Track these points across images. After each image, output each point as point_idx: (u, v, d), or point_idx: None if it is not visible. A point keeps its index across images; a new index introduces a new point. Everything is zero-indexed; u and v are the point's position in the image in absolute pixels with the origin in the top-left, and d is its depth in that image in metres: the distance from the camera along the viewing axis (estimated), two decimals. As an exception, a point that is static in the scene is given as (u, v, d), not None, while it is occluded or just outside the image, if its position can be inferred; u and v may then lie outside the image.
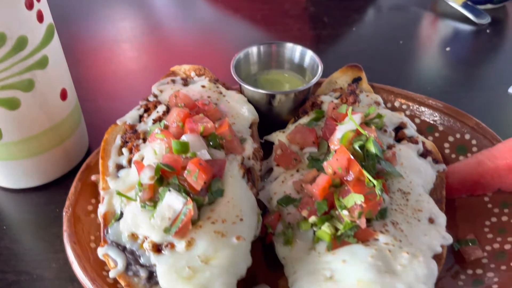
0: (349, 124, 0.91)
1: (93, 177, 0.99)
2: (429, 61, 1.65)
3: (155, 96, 1.08)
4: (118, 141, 0.98)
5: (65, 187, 1.07)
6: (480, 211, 0.98)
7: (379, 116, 0.97)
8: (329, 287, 0.75)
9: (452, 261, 0.90)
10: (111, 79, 1.51)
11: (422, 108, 1.16)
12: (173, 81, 1.12)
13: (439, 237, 0.83)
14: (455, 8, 1.81)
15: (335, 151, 0.87)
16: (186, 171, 0.80)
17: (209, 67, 1.22)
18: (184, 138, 0.87)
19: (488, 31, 1.73)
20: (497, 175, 0.95)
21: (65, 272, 0.92)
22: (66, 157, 1.09)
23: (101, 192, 0.90)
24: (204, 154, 0.86)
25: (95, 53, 1.64)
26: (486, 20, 1.78)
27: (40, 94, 0.96)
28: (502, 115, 1.34)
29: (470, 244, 0.90)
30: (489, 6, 1.84)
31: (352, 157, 0.84)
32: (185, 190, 0.81)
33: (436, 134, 1.14)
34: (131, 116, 1.03)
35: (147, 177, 0.81)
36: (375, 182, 0.81)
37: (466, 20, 1.78)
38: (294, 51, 1.17)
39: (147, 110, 1.05)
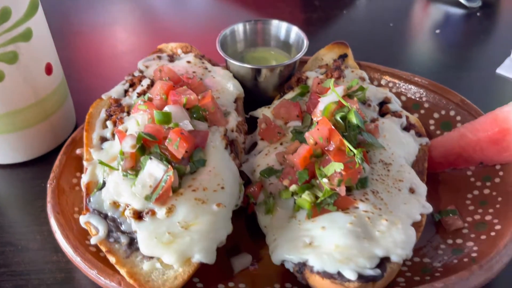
0: (332, 96, 0.91)
1: (78, 151, 0.99)
2: (419, 44, 1.65)
3: (141, 71, 1.08)
4: (103, 114, 0.99)
5: (51, 162, 1.07)
6: (463, 184, 0.99)
7: (362, 88, 0.97)
8: (308, 252, 0.76)
9: (433, 232, 0.91)
10: (100, 60, 1.51)
11: (408, 86, 1.17)
12: (159, 58, 1.12)
13: (419, 206, 0.84)
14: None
15: (317, 122, 0.88)
16: (167, 140, 0.81)
17: (198, 47, 1.22)
18: (166, 108, 0.88)
19: (478, 14, 1.73)
20: (479, 147, 0.95)
21: (49, 243, 0.93)
22: (52, 133, 1.10)
23: (85, 163, 0.91)
24: (187, 124, 0.86)
25: (84, 35, 1.64)
26: (477, 3, 1.78)
27: (25, 67, 0.97)
28: (490, 95, 1.35)
29: (451, 214, 0.91)
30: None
31: (333, 127, 0.84)
32: (167, 159, 0.81)
33: (422, 111, 1.14)
34: (116, 91, 1.03)
35: (128, 145, 0.81)
36: (355, 151, 0.81)
37: (457, 3, 1.78)
38: (280, 28, 1.17)
39: (132, 84, 1.05)
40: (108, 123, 0.96)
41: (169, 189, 0.77)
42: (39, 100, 1.03)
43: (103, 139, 0.95)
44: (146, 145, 0.83)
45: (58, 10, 1.71)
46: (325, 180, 0.80)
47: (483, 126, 0.94)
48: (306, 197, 0.81)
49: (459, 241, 0.87)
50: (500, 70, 1.41)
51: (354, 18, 1.73)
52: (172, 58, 1.13)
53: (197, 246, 0.74)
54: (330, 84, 0.95)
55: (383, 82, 1.19)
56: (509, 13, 1.77)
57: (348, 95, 0.94)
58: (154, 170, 0.79)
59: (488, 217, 0.90)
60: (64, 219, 0.86)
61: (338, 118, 0.88)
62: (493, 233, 0.86)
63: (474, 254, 0.83)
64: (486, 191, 0.96)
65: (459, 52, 1.55)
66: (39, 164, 1.11)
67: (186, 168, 0.82)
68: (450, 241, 0.88)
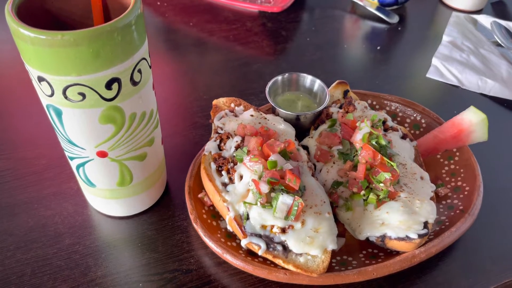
0: (365, 129, 1.44)
1: (200, 195, 1.40)
2: (364, 60, 2.21)
3: (221, 128, 1.49)
4: (213, 166, 1.40)
5: (164, 205, 1.47)
6: (437, 164, 1.60)
7: (379, 121, 1.52)
8: (384, 229, 1.29)
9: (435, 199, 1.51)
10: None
11: (386, 102, 1.74)
12: (226, 114, 1.54)
13: (429, 187, 1.42)
14: (371, 11, 2.41)
15: (362, 147, 1.40)
16: (287, 179, 1.27)
17: (211, 92, 1.66)
18: (272, 157, 1.33)
19: (399, 28, 2.36)
20: (445, 142, 1.56)
21: (206, 262, 1.34)
22: (163, 183, 1.47)
23: (225, 204, 1.32)
24: (288, 165, 1.32)
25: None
26: (396, 19, 2.41)
27: (156, 146, 1.33)
28: (430, 95, 1.98)
29: (441, 186, 1.51)
30: (395, 7, 2.47)
31: (374, 149, 1.38)
32: (287, 191, 1.28)
33: (398, 119, 1.73)
34: (213, 147, 1.44)
35: (265, 189, 1.26)
36: (392, 163, 1.36)
37: (380, 20, 2.39)
38: (306, 78, 1.65)
39: (221, 140, 1.46)
40: (223, 172, 1.38)
41: (301, 210, 1.25)
42: (160, 162, 1.40)
43: (224, 184, 1.37)
44: (271, 184, 1.28)
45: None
46: (381, 184, 1.34)
47: (447, 129, 1.55)
48: (372, 196, 1.35)
49: (449, 201, 1.49)
50: (429, 75, 2.05)
51: (316, 43, 2.25)
52: (234, 113, 1.55)
53: (328, 240, 1.24)
54: (354, 118, 1.48)
55: (369, 101, 1.75)
56: (420, 26, 2.42)
57: (373, 125, 1.48)
58: (286, 200, 1.25)
59: (459, 183, 1.53)
60: (225, 245, 1.29)
61: (373, 142, 1.42)
62: (466, 192, 1.48)
63: (461, 207, 1.44)
64: (452, 166, 1.58)
65: (395, 63, 2.17)
66: (156, 209, 1.48)
67: (299, 194, 1.30)
68: (444, 202, 1.49)
